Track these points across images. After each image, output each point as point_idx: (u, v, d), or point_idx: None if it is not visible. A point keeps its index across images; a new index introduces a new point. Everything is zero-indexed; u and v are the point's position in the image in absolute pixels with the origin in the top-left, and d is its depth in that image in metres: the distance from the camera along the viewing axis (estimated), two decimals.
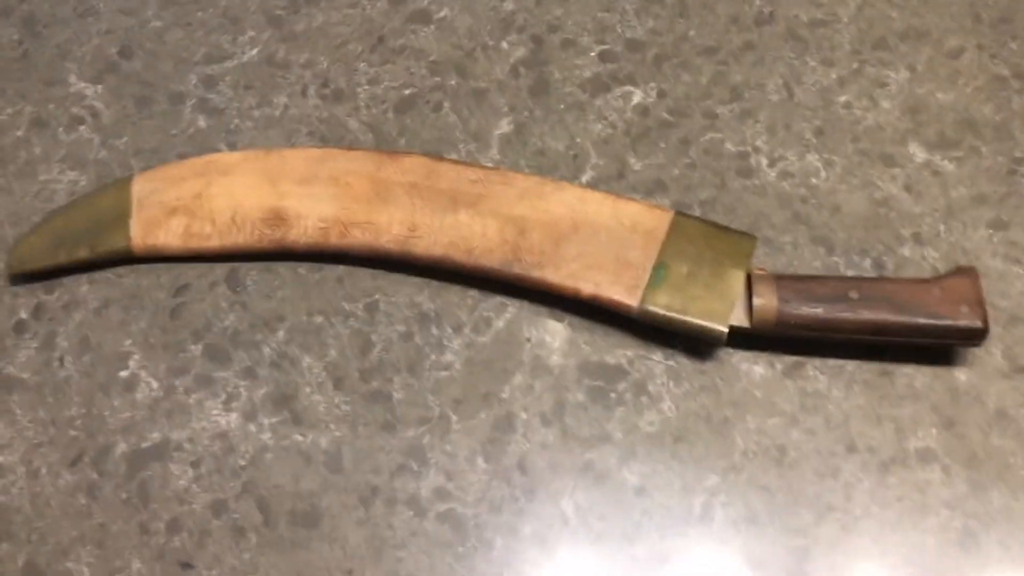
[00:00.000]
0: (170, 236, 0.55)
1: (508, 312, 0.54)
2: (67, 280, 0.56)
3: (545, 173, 0.58)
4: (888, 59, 0.61)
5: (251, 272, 0.56)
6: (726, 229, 0.53)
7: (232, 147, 0.60)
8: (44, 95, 0.62)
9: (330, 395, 0.52)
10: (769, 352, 0.52)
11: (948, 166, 0.57)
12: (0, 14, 0.65)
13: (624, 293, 0.51)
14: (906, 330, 0.49)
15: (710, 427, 0.51)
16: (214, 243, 0.55)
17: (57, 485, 0.51)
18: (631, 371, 0.52)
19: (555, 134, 0.59)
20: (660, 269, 0.51)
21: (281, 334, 0.54)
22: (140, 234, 0.55)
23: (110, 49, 0.63)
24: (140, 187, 0.56)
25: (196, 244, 0.55)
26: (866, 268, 0.54)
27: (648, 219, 0.53)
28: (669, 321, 0.50)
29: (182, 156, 0.59)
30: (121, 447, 0.51)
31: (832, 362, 0.52)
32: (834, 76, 0.60)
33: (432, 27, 0.63)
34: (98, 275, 0.56)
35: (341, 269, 0.56)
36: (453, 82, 0.61)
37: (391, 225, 0.54)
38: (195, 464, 0.51)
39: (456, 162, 0.55)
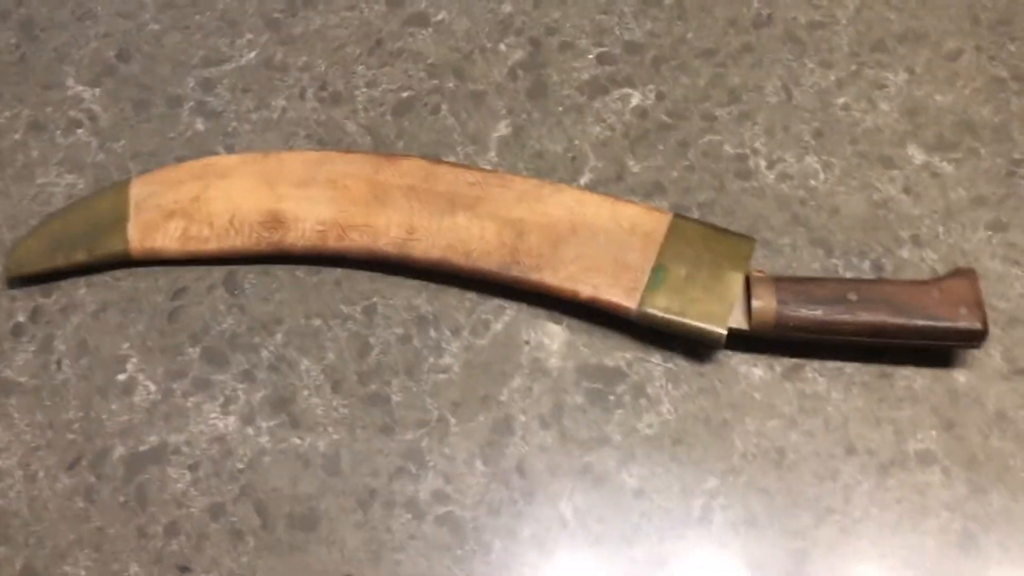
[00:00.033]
0: (168, 239, 0.55)
1: (506, 315, 0.54)
2: (65, 283, 0.56)
3: (543, 175, 0.58)
4: (886, 61, 0.61)
5: (249, 275, 0.56)
6: (725, 231, 0.52)
7: (230, 150, 0.60)
8: (42, 98, 0.62)
9: (328, 398, 0.52)
10: (768, 354, 0.52)
11: (947, 168, 0.57)
12: None
13: (623, 295, 0.51)
14: (905, 332, 0.49)
15: (709, 429, 0.51)
16: (212, 246, 0.55)
17: (55, 489, 0.51)
18: (630, 373, 0.52)
19: (553, 136, 0.59)
20: (659, 271, 0.51)
21: (279, 337, 0.54)
22: (138, 237, 0.55)
23: (108, 52, 0.63)
24: (138, 190, 0.56)
25: (194, 247, 0.55)
26: (865, 270, 0.54)
27: (646, 221, 0.53)
28: (668, 323, 0.50)
29: (180, 159, 0.59)
30: (119, 450, 0.51)
31: (831, 364, 0.52)
32: (832, 78, 0.60)
33: (430, 30, 0.63)
34: (96, 278, 0.56)
35: (339, 272, 0.55)
36: (451, 85, 0.61)
37: (389, 228, 0.54)
38: (193, 467, 0.51)
39: (454, 165, 0.55)
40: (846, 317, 0.49)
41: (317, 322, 0.54)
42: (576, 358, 0.53)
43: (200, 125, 0.60)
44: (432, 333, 0.54)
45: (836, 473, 0.50)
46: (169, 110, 0.61)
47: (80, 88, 0.62)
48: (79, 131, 0.61)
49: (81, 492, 0.50)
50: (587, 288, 0.51)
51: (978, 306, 0.49)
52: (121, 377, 0.53)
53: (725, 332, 0.50)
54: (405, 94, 0.61)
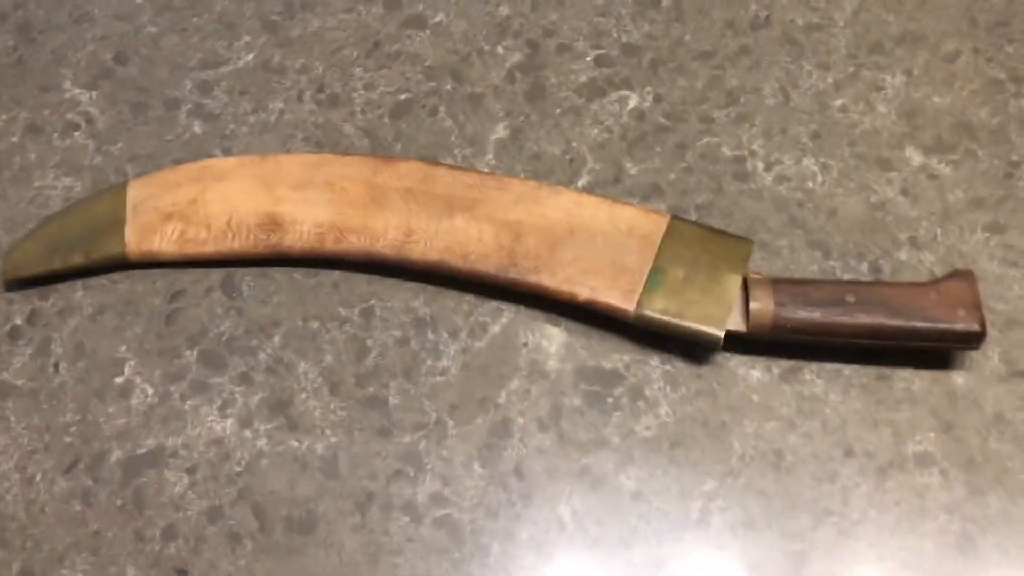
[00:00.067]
0: (165, 242, 0.55)
1: (504, 317, 0.54)
2: (62, 286, 0.56)
3: (541, 178, 0.58)
4: (884, 63, 0.61)
5: (246, 278, 0.56)
6: (722, 233, 0.52)
7: (227, 152, 0.60)
8: (39, 101, 0.62)
9: (326, 401, 0.52)
10: (766, 356, 0.52)
11: (945, 170, 0.57)
12: None
13: (620, 297, 0.51)
14: (903, 334, 0.49)
15: (707, 432, 0.51)
16: (209, 249, 0.55)
17: (52, 492, 0.51)
18: (628, 376, 0.52)
19: (551, 139, 0.59)
20: (656, 273, 0.51)
21: (277, 340, 0.54)
22: (135, 240, 0.55)
23: (105, 55, 0.63)
24: (135, 193, 0.56)
25: (191, 250, 0.55)
26: (863, 272, 0.54)
27: (644, 223, 0.53)
28: (665, 325, 0.50)
29: (177, 162, 0.59)
30: (116, 454, 0.51)
31: (829, 366, 0.52)
32: (830, 80, 0.60)
33: (427, 32, 0.63)
34: (93, 281, 0.56)
35: (337, 274, 0.55)
36: (449, 87, 0.61)
37: (387, 230, 0.54)
38: (190, 470, 0.51)
39: (452, 167, 0.55)
40: (844, 319, 0.49)
41: (315, 324, 0.54)
42: (574, 360, 0.53)
43: (198, 127, 0.60)
44: (430, 335, 0.54)
45: (834, 475, 0.50)
46: (166, 113, 0.61)
47: (77, 91, 0.62)
48: (76, 134, 0.60)
49: (78, 495, 0.50)
50: (585, 290, 0.51)
51: (976, 308, 0.49)
52: (118, 380, 0.53)
53: (723, 334, 0.50)
54: (403, 96, 0.61)
